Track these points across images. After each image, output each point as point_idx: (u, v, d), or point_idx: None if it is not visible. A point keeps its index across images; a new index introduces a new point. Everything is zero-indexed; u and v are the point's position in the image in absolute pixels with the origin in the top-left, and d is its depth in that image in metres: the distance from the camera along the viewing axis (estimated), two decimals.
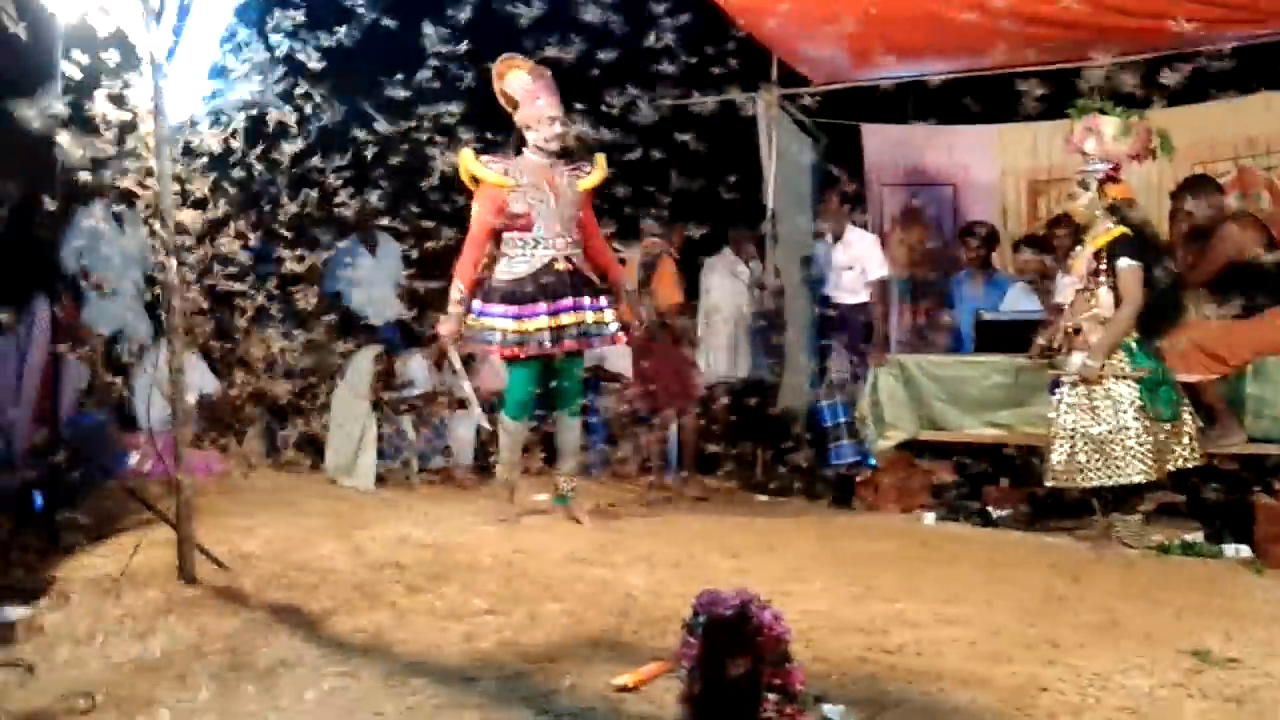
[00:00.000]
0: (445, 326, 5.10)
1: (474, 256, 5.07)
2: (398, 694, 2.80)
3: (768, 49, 6.98)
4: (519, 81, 5.08)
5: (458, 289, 5.05)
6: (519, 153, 5.14)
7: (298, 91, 4.28)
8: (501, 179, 5.03)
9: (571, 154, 5.23)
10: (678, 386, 6.59)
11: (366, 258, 7.28)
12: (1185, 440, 4.86)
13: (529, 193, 5.05)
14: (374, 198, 6.32)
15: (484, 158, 5.07)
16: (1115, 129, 4.90)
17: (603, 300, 5.15)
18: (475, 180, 5.07)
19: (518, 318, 4.98)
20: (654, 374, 6.59)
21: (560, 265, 5.06)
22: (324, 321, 6.37)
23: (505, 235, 5.08)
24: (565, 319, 5.03)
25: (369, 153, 5.32)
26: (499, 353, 5.10)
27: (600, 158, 5.27)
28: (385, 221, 6.84)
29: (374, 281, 7.24)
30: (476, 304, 5.08)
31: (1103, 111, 4.95)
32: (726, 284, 7.34)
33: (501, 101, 5.13)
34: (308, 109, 4.38)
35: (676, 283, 6.71)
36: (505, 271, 5.07)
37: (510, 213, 5.03)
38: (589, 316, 5.09)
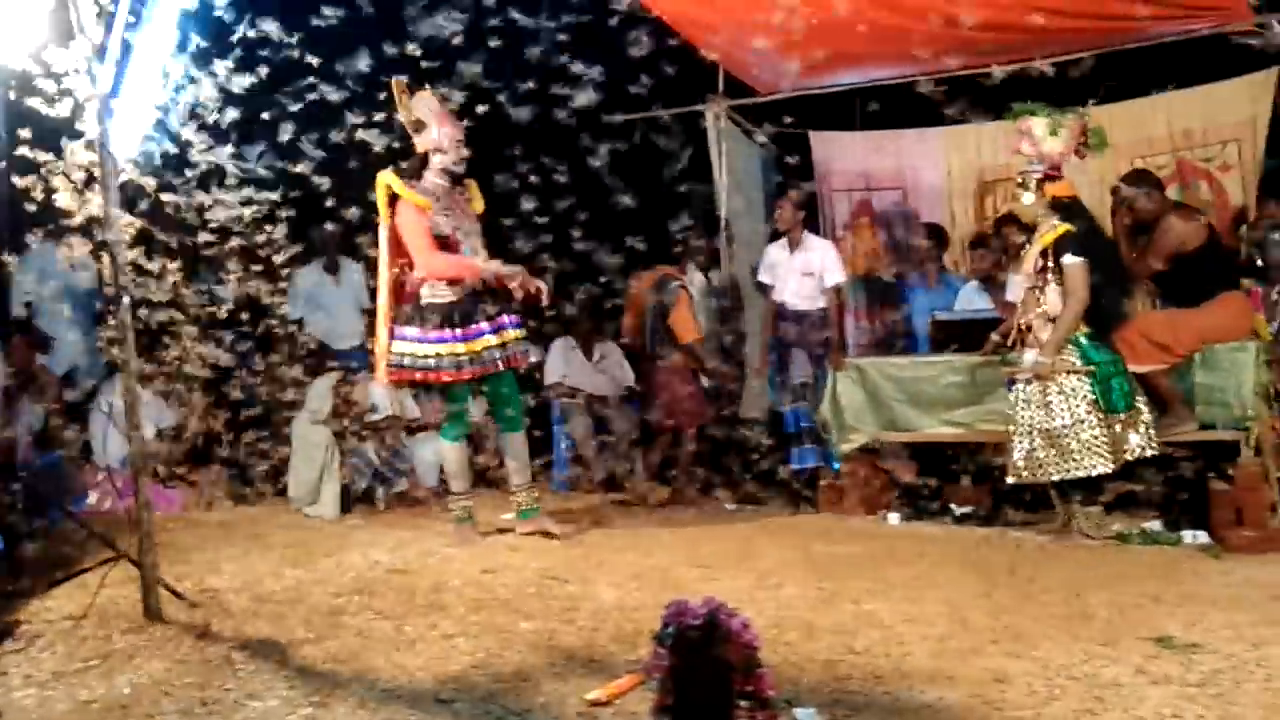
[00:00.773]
0: (510, 273, 5.00)
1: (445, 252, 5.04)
2: None
3: (714, 61, 7.03)
4: (427, 105, 5.08)
5: (478, 263, 5.01)
6: (418, 176, 5.10)
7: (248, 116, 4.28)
8: (426, 200, 5.01)
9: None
10: (683, 409, 6.66)
11: (329, 282, 7.24)
12: (1141, 430, 4.95)
13: (450, 215, 5.07)
14: (335, 223, 6.32)
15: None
16: (1043, 129, 5.02)
17: (514, 318, 5.20)
18: (392, 202, 5.02)
19: (465, 339, 4.97)
20: (664, 394, 6.68)
21: (488, 284, 5.11)
22: (286, 348, 6.34)
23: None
24: (506, 335, 5.08)
25: (326, 178, 5.32)
26: (453, 378, 5.01)
27: (473, 184, 5.28)
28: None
29: (337, 306, 7.20)
30: (414, 331, 5.00)
31: (1033, 113, 5.05)
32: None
33: (405, 123, 5.10)
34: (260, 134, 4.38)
35: (693, 316, 6.77)
36: (436, 295, 5.01)
37: (436, 234, 5.03)
38: (516, 333, 5.15)
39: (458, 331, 4.96)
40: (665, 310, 6.68)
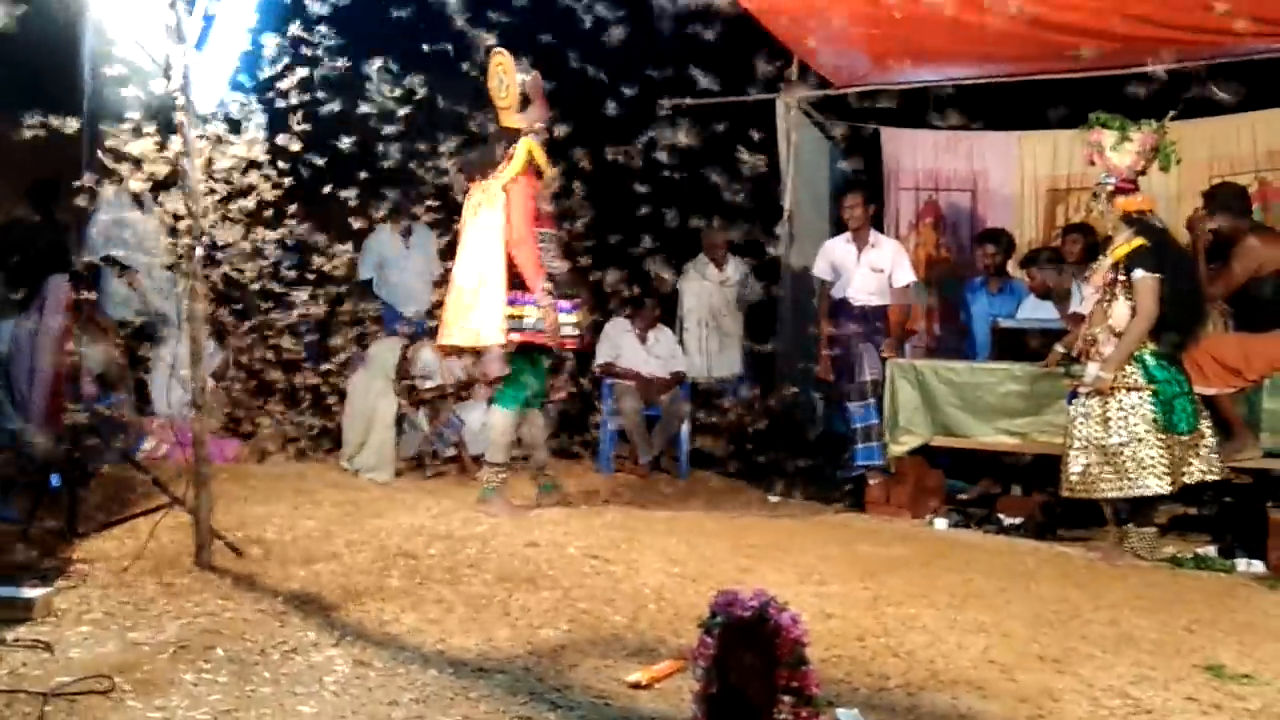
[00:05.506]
0: (549, 322, 5.00)
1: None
2: (412, 684, 2.80)
3: (789, 50, 6.96)
4: (534, 83, 5.09)
5: (545, 285, 5.00)
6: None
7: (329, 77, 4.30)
8: (553, 171, 5.13)
9: None
10: None
11: (400, 246, 7.26)
12: (1203, 453, 4.84)
13: (549, 190, 5.15)
14: (410, 187, 6.35)
15: None
16: (1112, 141, 4.90)
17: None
18: (526, 173, 5.03)
19: (573, 310, 5.12)
20: None
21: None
22: (352, 309, 6.39)
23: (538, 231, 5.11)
24: (579, 314, 5.24)
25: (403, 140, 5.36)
26: (572, 345, 5.23)
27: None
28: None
29: (407, 271, 7.21)
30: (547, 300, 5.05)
31: (1105, 124, 4.94)
32: (697, 287, 7.44)
33: (504, 96, 5.07)
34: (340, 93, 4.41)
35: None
36: (552, 265, 5.12)
37: (540, 209, 5.08)
38: (583, 314, 5.35)
39: (567, 303, 5.10)
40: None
